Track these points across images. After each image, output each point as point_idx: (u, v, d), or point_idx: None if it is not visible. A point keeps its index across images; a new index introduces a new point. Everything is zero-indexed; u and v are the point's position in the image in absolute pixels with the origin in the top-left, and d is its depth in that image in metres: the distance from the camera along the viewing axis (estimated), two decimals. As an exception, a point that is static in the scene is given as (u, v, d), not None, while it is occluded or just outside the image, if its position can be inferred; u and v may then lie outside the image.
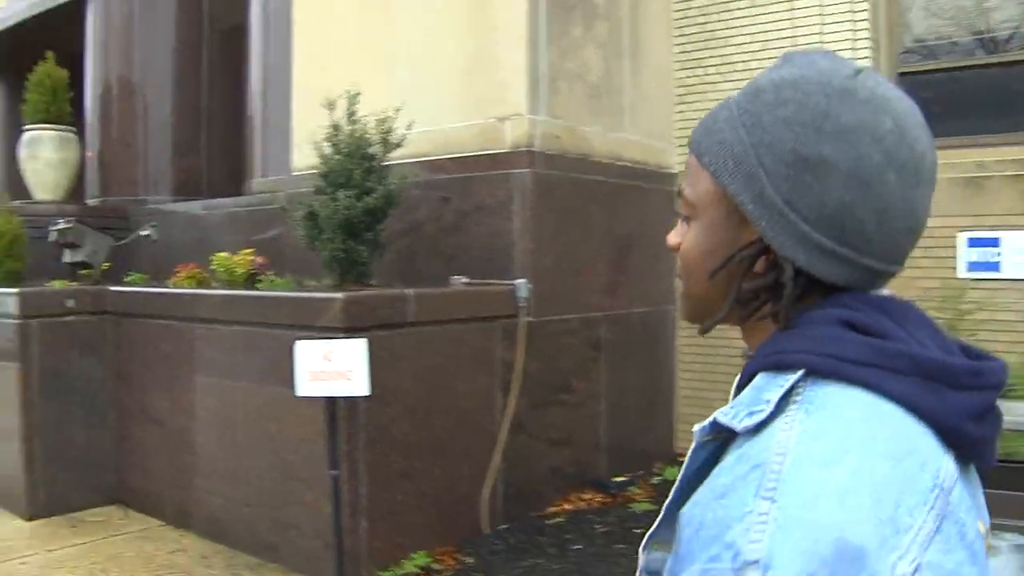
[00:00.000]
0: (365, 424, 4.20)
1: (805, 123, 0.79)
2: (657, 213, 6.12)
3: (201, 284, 5.71)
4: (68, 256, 6.76)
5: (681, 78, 6.58)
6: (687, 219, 0.92)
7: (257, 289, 5.12)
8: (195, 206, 7.13)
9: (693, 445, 0.84)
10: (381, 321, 4.34)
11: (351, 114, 5.19)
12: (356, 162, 5.07)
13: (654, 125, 6.41)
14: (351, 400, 4.05)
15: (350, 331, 4.15)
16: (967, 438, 0.76)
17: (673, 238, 0.95)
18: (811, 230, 0.79)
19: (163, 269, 6.97)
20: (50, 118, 7.79)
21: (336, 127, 5.20)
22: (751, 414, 0.77)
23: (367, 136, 5.14)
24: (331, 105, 5.18)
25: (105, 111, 8.16)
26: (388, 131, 5.15)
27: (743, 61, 6.18)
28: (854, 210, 0.78)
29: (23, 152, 7.85)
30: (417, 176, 5.24)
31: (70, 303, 5.41)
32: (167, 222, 7.14)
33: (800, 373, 0.78)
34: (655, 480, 5.64)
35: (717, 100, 0.95)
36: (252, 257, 5.55)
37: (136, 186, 8.01)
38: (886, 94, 0.81)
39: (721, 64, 6.37)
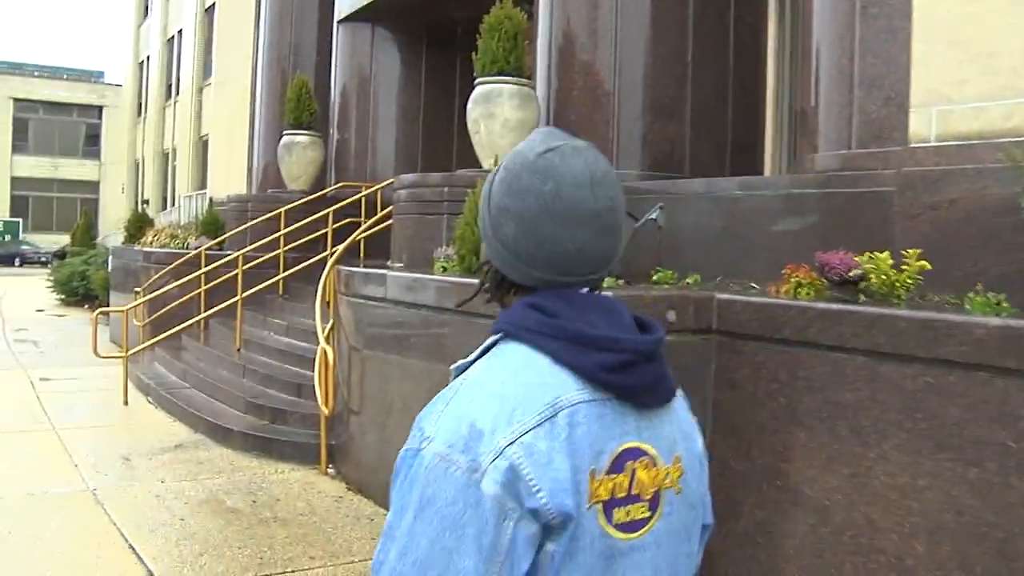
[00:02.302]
0: None
1: (504, 183, 1.22)
2: None
3: (819, 295, 4.07)
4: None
5: None
6: None
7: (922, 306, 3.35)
8: (727, 184, 5.52)
9: (452, 376, 1.24)
10: None
11: None
12: None
13: None
14: None
15: None
16: (608, 384, 1.16)
17: None
18: (503, 250, 1.22)
19: (667, 262, 5.44)
20: (509, 70, 6.45)
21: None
22: (468, 357, 1.24)
23: None
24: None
25: (565, 63, 6.70)
26: None
27: None
28: (521, 240, 1.20)
29: (476, 109, 6.55)
30: None
31: (671, 316, 3.86)
32: (672, 203, 5.58)
33: (500, 335, 1.22)
34: None
35: None
36: (921, 262, 3.84)
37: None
38: (559, 166, 1.18)
39: None
